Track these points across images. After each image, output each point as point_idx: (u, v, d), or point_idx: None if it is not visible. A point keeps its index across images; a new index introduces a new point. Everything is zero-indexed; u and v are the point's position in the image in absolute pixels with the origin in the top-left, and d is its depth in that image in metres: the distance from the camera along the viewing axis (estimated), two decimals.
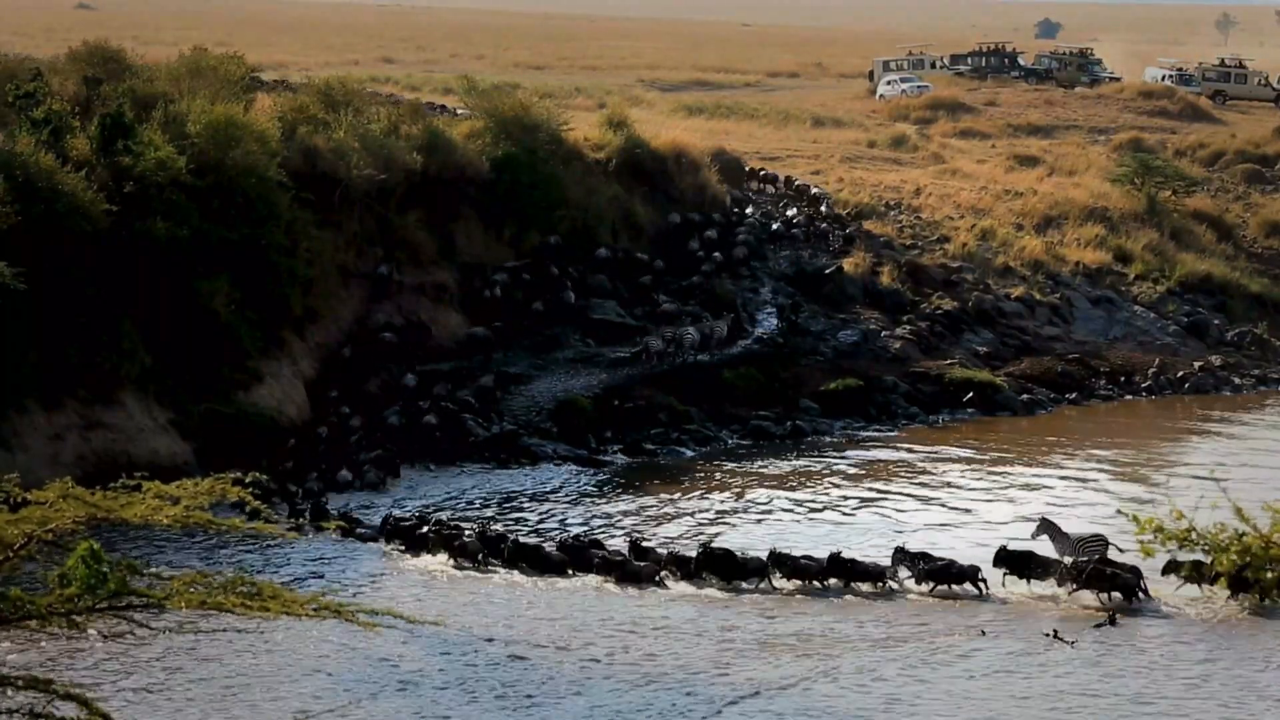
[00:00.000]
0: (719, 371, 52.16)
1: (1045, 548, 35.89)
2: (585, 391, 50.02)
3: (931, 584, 34.30)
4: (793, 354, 54.46)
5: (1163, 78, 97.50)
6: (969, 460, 47.32)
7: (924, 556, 34.76)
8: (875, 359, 55.09)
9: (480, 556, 36.07)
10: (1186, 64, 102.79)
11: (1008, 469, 46.41)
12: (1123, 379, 57.33)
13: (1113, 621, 32.54)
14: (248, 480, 20.65)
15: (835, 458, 47.49)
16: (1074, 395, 55.69)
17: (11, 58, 54.66)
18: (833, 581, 34.72)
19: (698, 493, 43.42)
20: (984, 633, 31.98)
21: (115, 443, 41.71)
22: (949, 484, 44.54)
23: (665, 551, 36.08)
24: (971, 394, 53.52)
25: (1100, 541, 35.74)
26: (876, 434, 50.56)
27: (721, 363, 52.67)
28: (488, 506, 41.81)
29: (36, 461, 39.05)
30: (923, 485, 44.40)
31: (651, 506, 42.13)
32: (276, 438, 44.42)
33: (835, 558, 34.75)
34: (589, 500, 42.76)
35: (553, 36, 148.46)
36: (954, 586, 34.27)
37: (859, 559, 34.97)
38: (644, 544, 36.47)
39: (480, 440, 46.63)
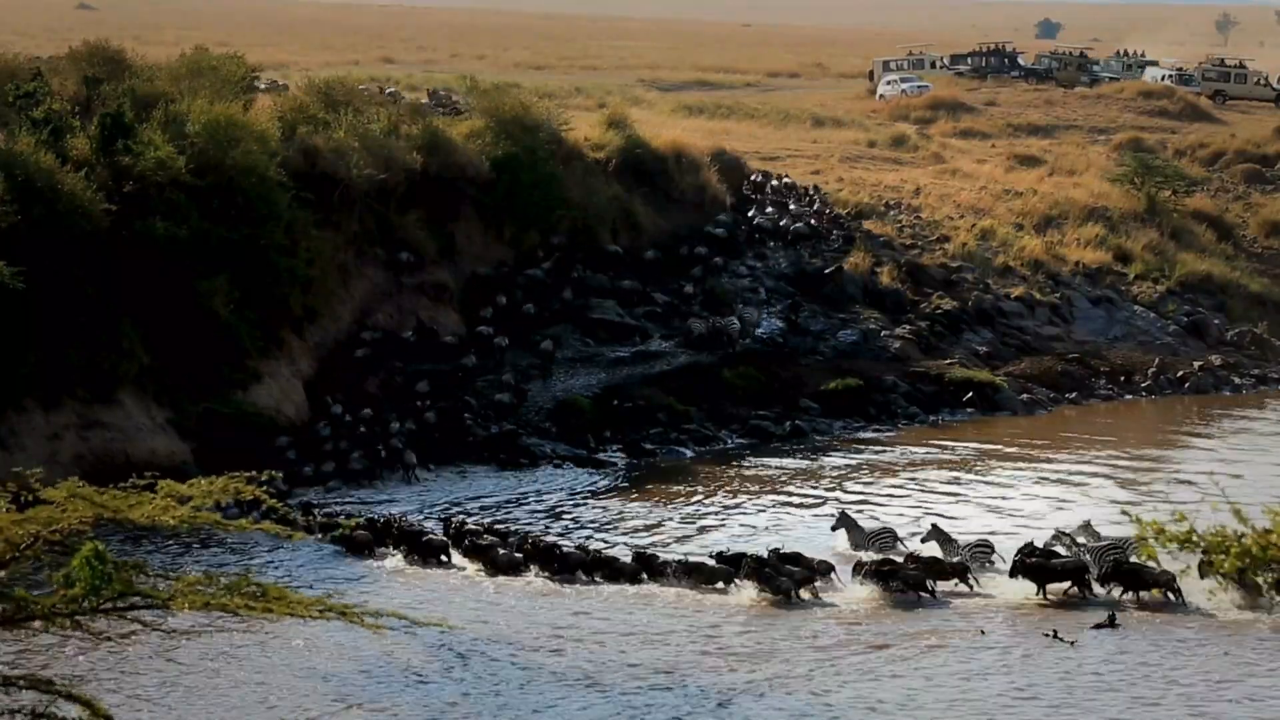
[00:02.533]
0: (719, 371, 52.20)
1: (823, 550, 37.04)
2: (585, 391, 50.07)
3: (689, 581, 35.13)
4: (793, 354, 54.48)
5: (1163, 78, 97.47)
6: (969, 460, 47.33)
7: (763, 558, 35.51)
8: (875, 359, 55.11)
9: (369, 547, 37.00)
10: (1186, 64, 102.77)
11: (1007, 469, 46.41)
12: (1123, 379, 57.36)
13: (1112, 622, 32.54)
14: (263, 479, 20.63)
15: (835, 457, 47.52)
16: (1074, 395, 55.72)
17: (11, 57, 54.60)
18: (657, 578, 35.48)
19: (696, 493, 43.42)
20: (983, 632, 32.05)
21: (113, 442, 41.69)
22: (948, 484, 44.53)
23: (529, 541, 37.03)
24: (971, 394, 53.54)
25: (890, 535, 37.47)
26: (876, 434, 50.59)
27: (721, 362, 52.73)
28: (484, 506, 41.91)
29: (35, 461, 38.71)
30: (922, 485, 44.40)
31: (648, 506, 42.17)
32: (275, 437, 44.51)
33: (639, 555, 35.99)
34: (587, 500, 42.85)
35: (553, 36, 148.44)
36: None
37: (661, 557, 35.94)
38: (507, 533, 37.77)
39: (480, 440, 46.68)
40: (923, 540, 37.06)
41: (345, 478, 43.92)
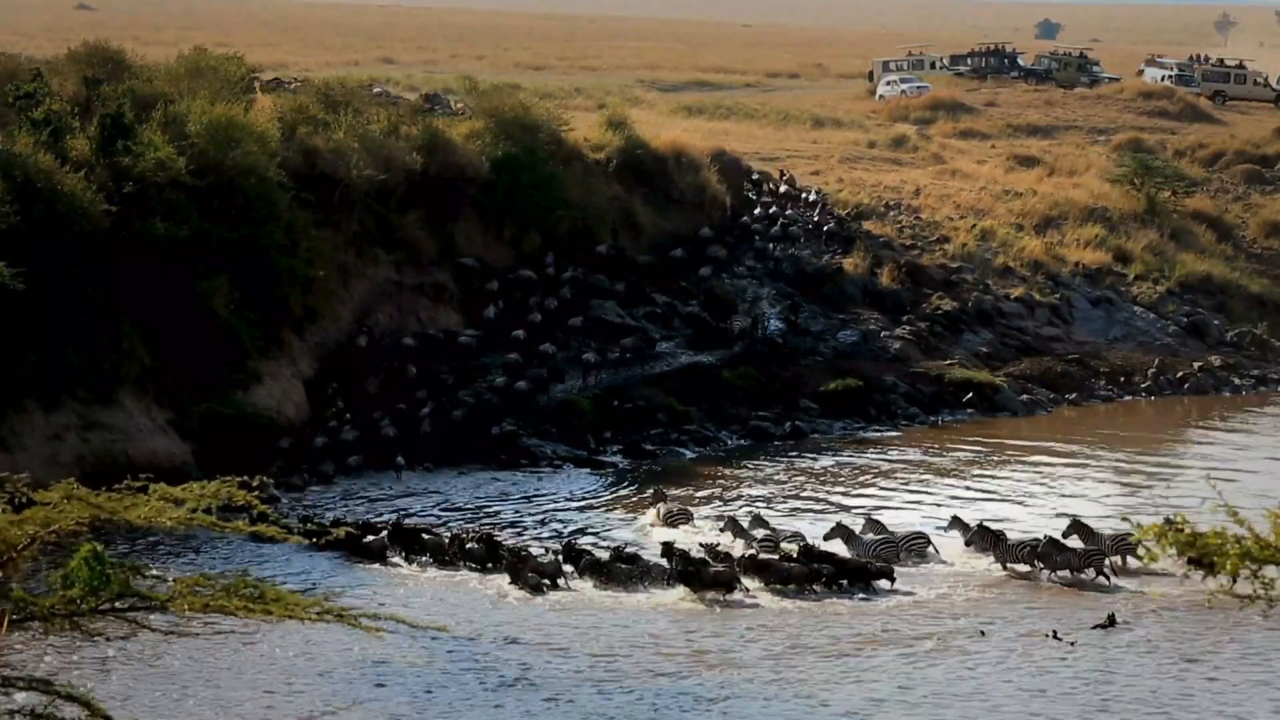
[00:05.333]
0: (719, 371, 52.22)
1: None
2: (585, 392, 50.07)
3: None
4: (793, 354, 54.50)
5: (1162, 78, 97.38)
6: (968, 461, 47.37)
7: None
8: (875, 359, 55.12)
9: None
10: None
11: (1006, 470, 46.45)
12: (1122, 379, 57.37)
13: (1112, 622, 32.54)
14: (254, 484, 20.64)
15: (835, 458, 47.53)
16: (1073, 396, 55.74)
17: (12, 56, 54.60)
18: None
19: (694, 493, 43.39)
20: (983, 633, 32.06)
21: (114, 443, 41.71)
22: (947, 484, 44.58)
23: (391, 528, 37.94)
24: (971, 394, 53.57)
25: (685, 513, 39.57)
26: (876, 434, 50.61)
27: (721, 362, 52.75)
28: (483, 505, 42.02)
29: (35, 462, 38.99)
30: (921, 485, 44.44)
31: (639, 506, 42.24)
32: (275, 437, 44.54)
33: (488, 539, 37.18)
34: (581, 500, 42.94)
35: (553, 37, 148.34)
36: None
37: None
38: (375, 523, 38.61)
39: (480, 440, 46.71)
40: (721, 529, 38.44)
41: (344, 477, 44.04)
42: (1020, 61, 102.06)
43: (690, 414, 49.94)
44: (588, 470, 45.76)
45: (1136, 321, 61.78)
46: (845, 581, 35.17)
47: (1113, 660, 30.54)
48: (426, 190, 54.50)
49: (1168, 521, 35.85)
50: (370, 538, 37.23)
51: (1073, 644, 31.38)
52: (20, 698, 19.36)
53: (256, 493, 20.66)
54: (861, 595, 34.85)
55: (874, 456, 47.81)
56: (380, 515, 40.50)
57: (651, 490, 41.45)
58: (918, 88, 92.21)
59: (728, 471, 45.94)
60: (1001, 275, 62.37)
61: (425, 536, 37.33)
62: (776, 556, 35.75)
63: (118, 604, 18.98)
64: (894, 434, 50.72)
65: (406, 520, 38.99)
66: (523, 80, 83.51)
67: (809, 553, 35.96)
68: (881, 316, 57.78)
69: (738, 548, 37.01)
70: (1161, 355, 59.33)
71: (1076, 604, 34.16)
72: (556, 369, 50.64)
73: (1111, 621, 32.57)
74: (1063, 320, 60.83)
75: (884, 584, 35.16)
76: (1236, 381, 58.62)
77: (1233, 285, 65.57)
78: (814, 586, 34.95)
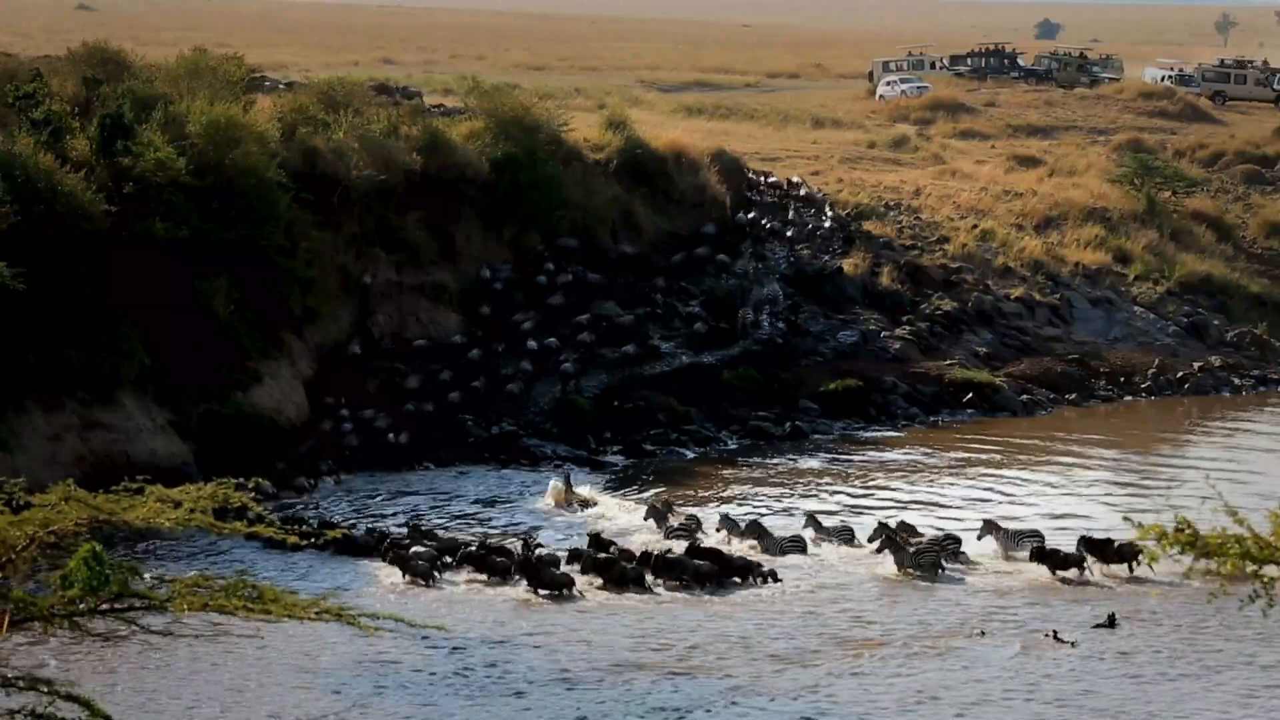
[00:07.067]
0: (718, 372, 52.23)
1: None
2: (585, 392, 50.07)
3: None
4: (793, 354, 54.48)
5: (1162, 78, 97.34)
6: (968, 461, 47.38)
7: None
8: (875, 359, 55.12)
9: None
10: (1186, 64, 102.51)
11: (1006, 470, 46.45)
12: (1122, 380, 57.38)
13: (1112, 622, 32.57)
14: (250, 484, 20.66)
15: (835, 458, 47.53)
16: (1074, 396, 55.74)
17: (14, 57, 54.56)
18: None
19: (690, 494, 43.39)
20: (983, 633, 32.08)
21: (114, 443, 41.73)
22: (947, 485, 44.59)
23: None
24: (971, 394, 53.58)
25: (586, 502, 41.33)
26: (876, 435, 50.61)
27: (721, 363, 52.75)
28: (481, 505, 42.09)
29: (35, 462, 39.05)
30: (921, 486, 44.44)
31: (631, 505, 42.22)
32: (275, 437, 44.55)
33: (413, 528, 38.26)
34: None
35: (553, 37, 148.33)
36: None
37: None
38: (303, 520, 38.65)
39: (480, 441, 46.74)
40: (645, 517, 39.73)
41: (344, 477, 44.11)
42: (1020, 62, 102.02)
43: (690, 414, 49.96)
44: (588, 470, 45.75)
45: (1136, 322, 61.79)
46: (738, 579, 35.61)
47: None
48: (426, 190, 54.50)
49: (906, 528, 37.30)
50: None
51: (1073, 644, 31.40)
52: (20, 698, 19.35)
53: (253, 494, 20.66)
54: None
55: (874, 457, 47.81)
56: (378, 515, 40.54)
57: (556, 476, 42.64)
58: (917, 88, 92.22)
59: (727, 472, 45.96)
60: (1001, 275, 62.38)
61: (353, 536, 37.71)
62: (672, 551, 36.35)
63: (117, 604, 18.99)
64: (894, 434, 50.72)
65: (393, 520, 39.29)
66: (523, 80, 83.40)
67: (694, 550, 36.39)
68: (881, 316, 57.77)
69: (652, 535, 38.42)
70: (1161, 355, 59.33)
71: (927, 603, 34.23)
72: (557, 369, 50.60)
73: (1112, 621, 32.61)
74: (1063, 320, 60.84)
75: (771, 581, 35.57)
76: (1236, 382, 58.60)
77: (1233, 285, 65.55)
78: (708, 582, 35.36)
